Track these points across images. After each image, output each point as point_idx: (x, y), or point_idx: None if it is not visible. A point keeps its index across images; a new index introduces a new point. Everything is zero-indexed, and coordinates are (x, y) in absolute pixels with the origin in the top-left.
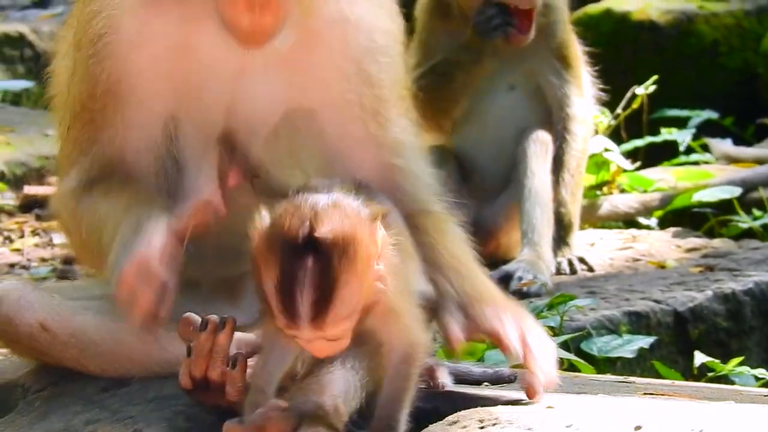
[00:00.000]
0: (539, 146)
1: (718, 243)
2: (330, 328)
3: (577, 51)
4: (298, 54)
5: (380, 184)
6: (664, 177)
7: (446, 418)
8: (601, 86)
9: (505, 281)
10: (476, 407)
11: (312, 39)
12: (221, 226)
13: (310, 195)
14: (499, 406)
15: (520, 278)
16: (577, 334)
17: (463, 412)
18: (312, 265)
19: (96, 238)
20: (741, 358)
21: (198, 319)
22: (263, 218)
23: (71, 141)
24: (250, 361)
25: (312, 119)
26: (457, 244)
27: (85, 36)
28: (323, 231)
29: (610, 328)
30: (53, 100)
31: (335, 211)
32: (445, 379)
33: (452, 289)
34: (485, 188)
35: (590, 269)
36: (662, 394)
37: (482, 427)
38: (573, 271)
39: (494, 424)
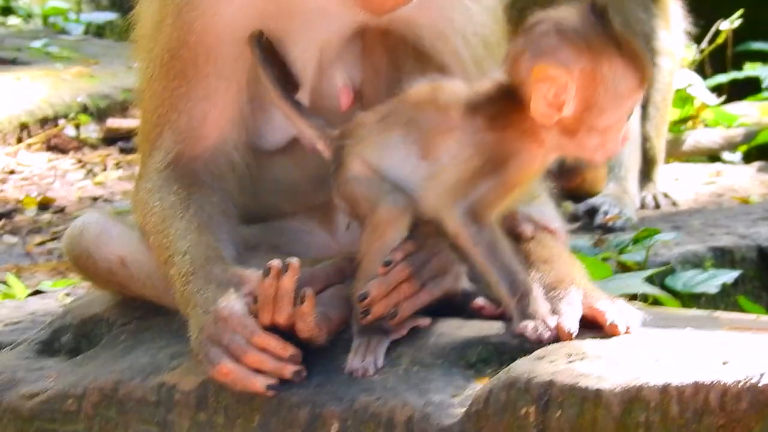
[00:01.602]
0: None
1: None
2: None
3: None
4: None
5: None
6: (749, 112)
7: (533, 353)
8: (686, 21)
9: (590, 215)
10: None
11: None
12: (314, 157)
13: None
14: (587, 340)
15: (606, 212)
16: (661, 268)
17: (550, 347)
18: None
19: (164, 256)
20: None
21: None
22: None
23: (155, 95)
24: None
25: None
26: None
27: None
28: None
29: (695, 262)
30: (137, 43)
31: None
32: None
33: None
34: None
35: (674, 204)
36: (747, 329)
37: (570, 362)
38: (657, 206)
39: (582, 359)
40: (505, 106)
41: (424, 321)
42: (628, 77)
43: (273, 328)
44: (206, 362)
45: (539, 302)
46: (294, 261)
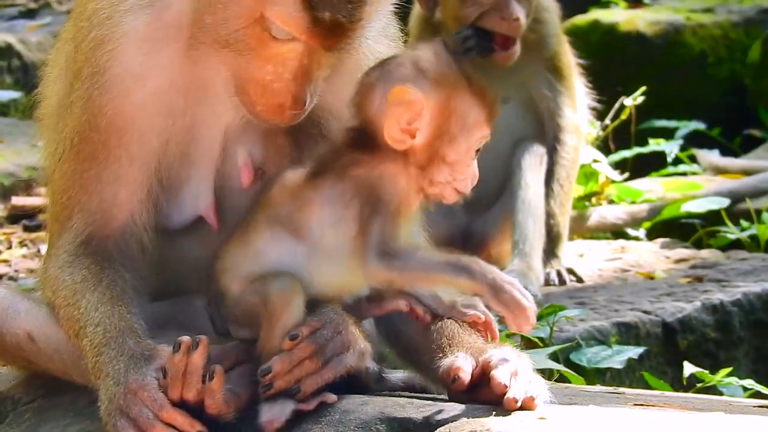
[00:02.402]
0: (534, 158)
1: (706, 254)
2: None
3: (570, 62)
4: None
5: None
6: (653, 188)
7: (438, 429)
8: (590, 97)
9: None
10: (467, 418)
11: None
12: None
13: None
14: (491, 417)
15: None
16: (566, 344)
17: (454, 423)
18: None
19: (75, 328)
20: (729, 369)
21: (166, 348)
22: None
23: (65, 177)
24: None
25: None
26: None
27: (88, 66)
28: None
29: (600, 338)
30: (42, 122)
31: None
32: None
33: None
34: (478, 199)
35: (579, 280)
36: (652, 405)
37: None
38: (562, 282)
39: None
40: (358, 148)
41: (331, 397)
42: (476, 111)
43: (182, 404)
44: None
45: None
46: (203, 338)
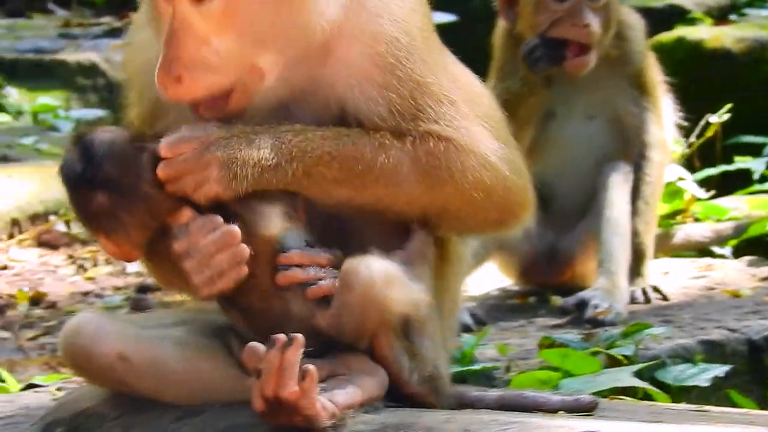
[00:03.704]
0: (620, 176)
1: None
2: None
3: (656, 79)
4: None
5: None
6: (738, 206)
7: None
8: (676, 114)
9: (580, 308)
10: None
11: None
12: None
13: None
14: None
15: (596, 306)
16: (651, 362)
17: None
18: None
19: None
20: None
21: (261, 347)
22: None
23: None
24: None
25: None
26: None
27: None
28: None
29: (685, 356)
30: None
31: None
32: None
33: None
34: (564, 216)
35: (665, 298)
36: (738, 423)
37: None
38: (647, 300)
39: None
40: None
41: None
42: None
43: (276, 405)
44: None
45: None
46: (299, 336)
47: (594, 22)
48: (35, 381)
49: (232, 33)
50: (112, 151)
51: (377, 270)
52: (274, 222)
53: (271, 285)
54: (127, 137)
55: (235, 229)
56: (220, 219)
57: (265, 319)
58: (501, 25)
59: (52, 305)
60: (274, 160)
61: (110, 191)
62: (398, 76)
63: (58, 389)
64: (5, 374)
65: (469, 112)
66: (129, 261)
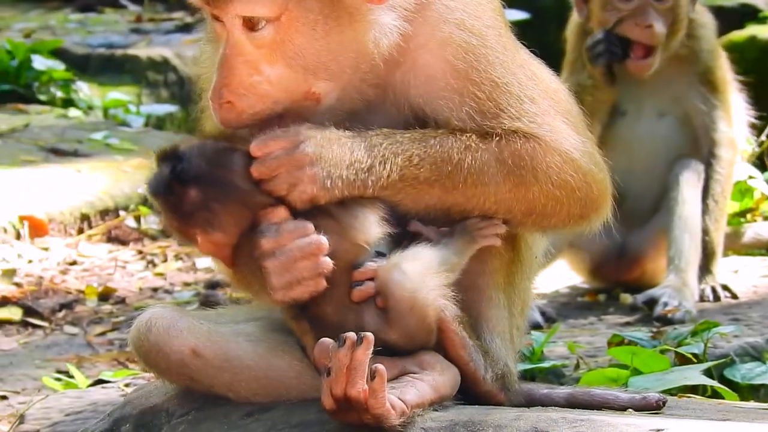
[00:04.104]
0: (691, 173)
1: None
2: None
3: (726, 77)
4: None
5: None
6: None
7: None
8: (747, 113)
9: (649, 306)
10: None
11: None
12: None
13: None
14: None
15: (665, 304)
16: (720, 361)
17: None
18: None
19: None
20: None
21: (331, 342)
22: None
23: None
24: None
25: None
26: None
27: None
28: None
29: (754, 355)
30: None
31: None
32: None
33: None
34: (634, 214)
35: (734, 296)
36: None
37: None
38: (717, 298)
39: None
40: None
41: None
42: None
43: (345, 404)
44: None
45: None
46: (368, 334)
47: (658, 24)
48: (103, 377)
49: (283, 61)
50: (203, 149)
51: (411, 271)
52: (372, 229)
53: (347, 298)
54: (215, 141)
55: (324, 240)
56: (311, 226)
57: (337, 330)
58: (574, 19)
59: (121, 301)
60: (367, 162)
61: (203, 185)
62: (473, 80)
63: (126, 385)
64: (74, 370)
65: (549, 108)
66: (225, 260)
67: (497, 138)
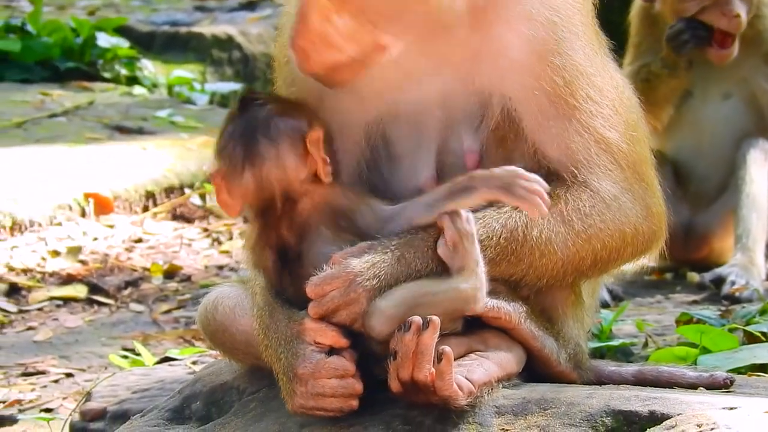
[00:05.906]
0: (759, 153)
1: None
2: None
3: None
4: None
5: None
6: None
7: (664, 422)
8: None
9: (717, 285)
10: (693, 411)
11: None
12: None
13: None
14: (717, 411)
15: (733, 282)
16: None
17: (680, 417)
18: None
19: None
20: None
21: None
22: None
23: None
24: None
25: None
26: None
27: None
28: None
29: None
30: None
31: None
32: None
33: None
34: (700, 194)
35: None
36: None
37: None
38: None
39: (712, 429)
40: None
41: None
42: None
43: (413, 387)
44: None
45: None
46: (435, 318)
47: (743, 12)
48: (170, 355)
49: (351, 12)
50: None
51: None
52: None
53: None
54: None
55: (360, 386)
56: (352, 368)
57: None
58: (638, 3)
59: (187, 279)
60: (426, 269)
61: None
62: (553, 63)
63: (194, 363)
64: (140, 348)
65: (618, 121)
66: (232, 213)
67: (562, 201)
